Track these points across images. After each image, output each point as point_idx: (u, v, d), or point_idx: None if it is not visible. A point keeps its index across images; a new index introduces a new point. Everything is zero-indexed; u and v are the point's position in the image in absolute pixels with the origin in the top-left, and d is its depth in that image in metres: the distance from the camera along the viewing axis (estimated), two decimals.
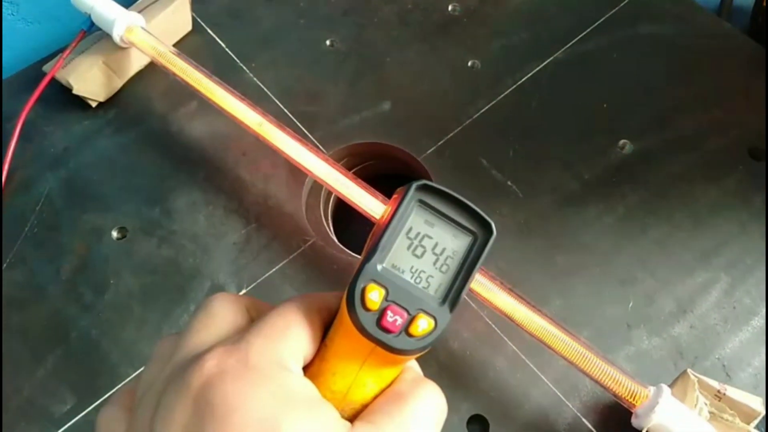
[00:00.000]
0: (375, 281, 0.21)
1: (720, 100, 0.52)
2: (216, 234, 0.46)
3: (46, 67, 0.50)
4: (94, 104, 0.51)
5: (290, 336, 0.21)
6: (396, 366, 0.22)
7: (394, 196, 0.23)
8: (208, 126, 0.50)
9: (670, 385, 0.38)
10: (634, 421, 0.37)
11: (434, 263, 0.22)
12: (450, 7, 0.56)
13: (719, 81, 0.53)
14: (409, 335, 0.21)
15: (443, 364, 0.41)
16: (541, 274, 0.45)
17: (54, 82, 0.50)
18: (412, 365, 0.24)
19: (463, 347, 0.42)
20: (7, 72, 0.54)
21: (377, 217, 0.42)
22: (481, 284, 0.39)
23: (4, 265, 0.44)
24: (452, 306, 0.22)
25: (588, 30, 0.55)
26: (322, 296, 0.23)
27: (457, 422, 0.39)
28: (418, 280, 0.22)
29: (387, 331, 0.21)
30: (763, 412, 0.37)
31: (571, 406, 0.40)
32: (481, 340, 0.42)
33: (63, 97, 0.50)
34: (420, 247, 0.22)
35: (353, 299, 0.21)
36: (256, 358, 0.20)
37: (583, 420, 0.40)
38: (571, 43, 0.54)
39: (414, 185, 0.22)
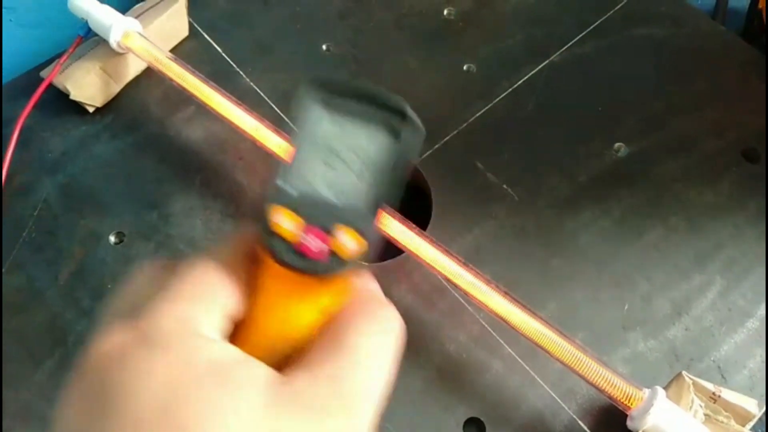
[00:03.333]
0: (286, 205, 0.18)
1: (714, 102, 0.52)
2: (213, 238, 0.46)
3: (43, 73, 0.50)
4: (91, 109, 0.51)
5: (202, 293, 0.18)
6: (334, 292, 0.19)
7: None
8: (205, 131, 0.50)
9: (665, 388, 0.38)
10: (630, 424, 0.37)
11: (350, 170, 0.19)
12: (445, 12, 0.57)
13: (714, 83, 0.53)
14: (334, 254, 0.18)
15: (440, 367, 0.41)
16: (537, 276, 0.45)
17: (51, 87, 0.50)
18: (359, 281, 0.20)
19: (459, 350, 0.42)
20: (4, 77, 0.54)
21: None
22: (476, 288, 0.39)
23: (3, 270, 0.44)
24: (374, 212, 0.19)
25: (583, 33, 0.55)
26: (242, 238, 0.20)
27: (453, 425, 0.40)
28: (334, 193, 0.19)
29: (308, 255, 0.18)
30: (758, 414, 0.37)
31: (567, 409, 0.40)
32: (477, 343, 0.42)
33: (60, 103, 0.51)
34: (332, 155, 0.19)
35: (266, 230, 0.18)
36: (158, 329, 0.17)
37: (579, 423, 0.40)
38: (566, 47, 0.55)
39: (307, 84, 0.19)
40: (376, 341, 0.18)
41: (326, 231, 0.18)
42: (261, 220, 0.18)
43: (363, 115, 0.19)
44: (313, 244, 0.18)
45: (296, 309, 0.19)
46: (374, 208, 0.19)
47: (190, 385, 0.16)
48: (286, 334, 0.19)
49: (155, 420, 0.15)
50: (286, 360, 0.18)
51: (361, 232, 0.18)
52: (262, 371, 0.17)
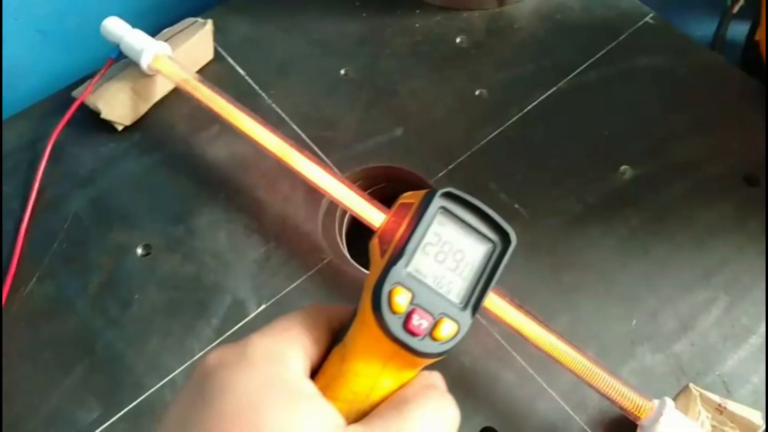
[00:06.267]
0: (401, 284, 0.22)
1: (715, 129, 0.54)
2: (237, 252, 0.48)
3: (75, 93, 0.53)
4: (120, 128, 0.53)
5: (291, 335, 0.22)
6: (415, 368, 0.23)
7: (409, 201, 0.24)
8: (228, 149, 0.52)
9: (673, 399, 0.40)
10: None
11: (455, 269, 0.23)
12: (458, 39, 0.60)
13: (714, 111, 0.55)
14: (433, 339, 0.21)
15: (455, 379, 0.43)
16: (547, 292, 0.46)
17: (82, 106, 0.52)
18: (427, 372, 0.24)
19: (474, 362, 0.44)
20: (36, 97, 0.56)
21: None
22: (491, 301, 0.41)
23: (34, 279, 0.46)
24: (474, 311, 0.22)
25: (589, 62, 0.58)
26: (330, 307, 0.25)
27: None
28: (440, 286, 0.22)
29: (413, 334, 0.21)
30: (763, 426, 0.39)
31: (578, 420, 0.42)
32: (490, 355, 0.44)
33: (91, 121, 0.53)
34: (442, 252, 0.23)
35: (380, 302, 0.21)
36: (251, 351, 0.21)
37: None
38: (573, 74, 0.57)
39: (438, 192, 0.23)
40: (434, 420, 0.22)
41: (430, 315, 0.22)
42: (377, 290, 0.22)
43: (475, 227, 0.23)
44: (418, 322, 0.21)
45: (384, 377, 0.22)
46: (472, 305, 0.22)
47: (271, 397, 0.20)
48: (366, 394, 0.22)
49: (237, 416, 0.19)
50: (350, 414, 0.22)
51: (459, 325, 0.22)
52: (333, 412, 0.21)
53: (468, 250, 0.23)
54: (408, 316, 0.21)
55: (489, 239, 0.23)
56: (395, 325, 0.21)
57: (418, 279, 0.22)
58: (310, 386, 0.21)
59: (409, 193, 0.24)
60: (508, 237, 0.23)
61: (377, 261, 0.23)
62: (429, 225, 0.23)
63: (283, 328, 0.22)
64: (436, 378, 0.24)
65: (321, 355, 0.23)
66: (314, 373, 0.23)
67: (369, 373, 0.22)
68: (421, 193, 0.24)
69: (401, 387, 0.23)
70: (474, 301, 0.22)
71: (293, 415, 0.19)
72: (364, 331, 0.22)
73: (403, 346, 0.21)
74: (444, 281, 0.22)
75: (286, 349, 0.22)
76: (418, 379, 0.23)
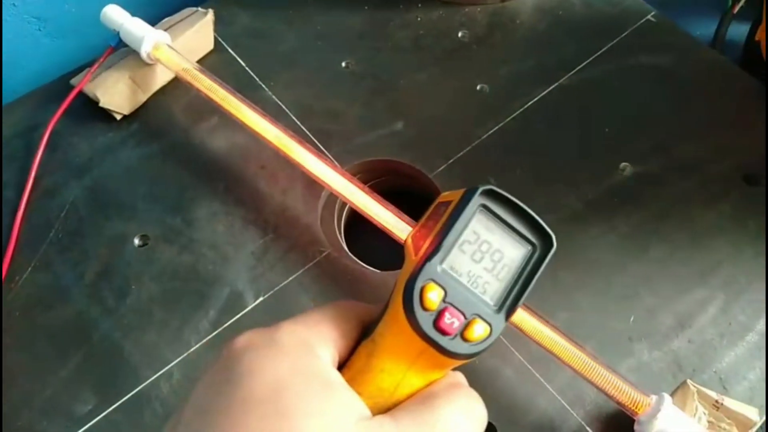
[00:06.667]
0: (434, 281, 0.21)
1: (716, 128, 0.54)
2: (235, 243, 0.47)
3: (73, 81, 0.52)
4: (118, 117, 0.53)
5: (322, 327, 0.22)
6: (443, 369, 0.22)
7: (447, 200, 0.23)
8: (228, 140, 0.52)
9: (671, 395, 0.40)
10: (637, 428, 0.39)
11: (491, 270, 0.22)
12: (460, 34, 0.59)
13: (715, 110, 0.56)
14: (464, 339, 0.21)
15: None
16: (547, 288, 0.46)
17: (80, 95, 0.52)
18: (452, 372, 0.23)
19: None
20: (33, 84, 0.56)
21: (392, 230, 0.44)
22: None
23: (30, 269, 0.46)
24: (508, 314, 0.21)
25: (591, 59, 0.58)
26: (362, 304, 0.24)
27: None
28: (475, 285, 0.22)
29: (443, 332, 0.20)
30: (759, 422, 0.39)
31: (575, 415, 0.42)
32: (490, 350, 0.43)
33: (89, 110, 0.52)
34: (479, 252, 0.22)
35: (411, 297, 0.21)
36: (282, 337, 0.21)
37: (587, 428, 0.41)
38: (575, 71, 0.57)
39: (480, 189, 0.22)
40: (461, 417, 0.21)
41: (462, 314, 0.21)
42: (410, 285, 0.21)
43: (515, 227, 0.22)
44: (449, 321, 0.20)
45: (410, 375, 0.22)
46: (507, 308, 0.21)
47: (299, 384, 0.19)
48: (391, 391, 0.22)
49: (264, 400, 0.19)
50: (374, 409, 0.21)
51: (491, 327, 0.21)
52: (359, 402, 0.20)
53: (507, 250, 0.22)
54: (439, 314, 0.21)
55: (529, 241, 0.22)
56: (426, 322, 0.20)
57: (453, 277, 0.21)
58: (337, 376, 0.21)
59: (448, 192, 0.23)
60: (550, 240, 0.22)
61: (411, 258, 0.22)
62: (468, 222, 0.22)
63: (315, 320, 0.22)
64: (461, 377, 0.24)
65: (349, 349, 0.23)
66: (341, 367, 0.22)
67: (396, 370, 0.21)
68: (461, 191, 0.23)
69: (427, 386, 0.22)
70: (509, 305, 0.21)
71: (320, 402, 0.19)
72: (393, 327, 0.22)
73: (433, 345, 0.21)
74: (479, 281, 0.22)
75: (315, 340, 0.21)
76: (445, 378, 0.23)
